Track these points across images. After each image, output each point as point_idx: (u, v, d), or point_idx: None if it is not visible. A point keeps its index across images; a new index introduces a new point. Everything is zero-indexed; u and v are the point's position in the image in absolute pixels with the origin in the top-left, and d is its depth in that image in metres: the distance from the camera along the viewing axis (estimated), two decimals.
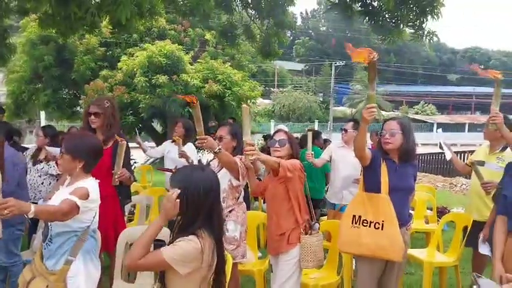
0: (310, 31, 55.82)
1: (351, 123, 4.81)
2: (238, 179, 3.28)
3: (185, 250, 1.82)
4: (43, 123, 20.50)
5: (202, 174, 1.98)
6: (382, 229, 2.85)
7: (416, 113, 42.50)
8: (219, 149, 3.04)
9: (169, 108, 12.02)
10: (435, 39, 5.73)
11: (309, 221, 3.12)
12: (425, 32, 5.77)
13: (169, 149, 4.98)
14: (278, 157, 3.11)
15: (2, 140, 2.91)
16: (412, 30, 5.88)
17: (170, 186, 1.97)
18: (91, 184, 2.41)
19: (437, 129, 37.90)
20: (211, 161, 3.43)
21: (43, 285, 2.27)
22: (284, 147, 3.17)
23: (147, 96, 11.96)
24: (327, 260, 3.71)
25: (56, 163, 5.33)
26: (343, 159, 4.69)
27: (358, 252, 2.96)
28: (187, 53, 13.19)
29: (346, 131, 4.80)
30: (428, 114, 42.43)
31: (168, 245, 1.89)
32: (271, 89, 40.46)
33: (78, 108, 14.78)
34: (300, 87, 41.45)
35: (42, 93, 13.08)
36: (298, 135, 15.01)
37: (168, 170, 3.28)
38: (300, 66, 51.09)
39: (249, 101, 13.88)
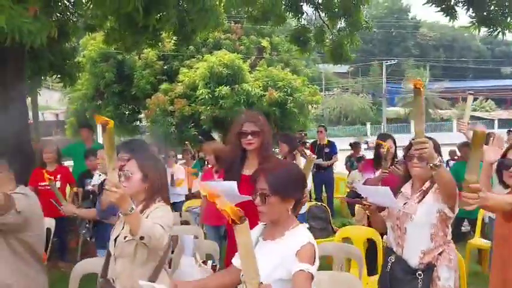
0: None
1: None
2: (453, 209, 2.39)
3: None
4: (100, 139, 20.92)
5: None
6: None
7: (475, 110, 40.20)
8: (438, 163, 2.18)
9: (231, 120, 11.78)
10: None
11: None
12: None
13: None
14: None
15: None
16: None
17: None
18: (308, 235, 1.78)
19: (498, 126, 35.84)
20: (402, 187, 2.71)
21: None
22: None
23: (208, 108, 11.78)
24: None
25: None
26: None
27: None
28: (244, 61, 12.94)
29: None
30: (487, 110, 40.12)
31: None
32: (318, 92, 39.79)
33: (138, 122, 14.93)
34: (347, 89, 40.46)
35: (104, 110, 13.22)
36: (352, 139, 14.41)
37: (358, 202, 2.77)
38: (345, 68, 50.03)
39: (310, 106, 13.49)
